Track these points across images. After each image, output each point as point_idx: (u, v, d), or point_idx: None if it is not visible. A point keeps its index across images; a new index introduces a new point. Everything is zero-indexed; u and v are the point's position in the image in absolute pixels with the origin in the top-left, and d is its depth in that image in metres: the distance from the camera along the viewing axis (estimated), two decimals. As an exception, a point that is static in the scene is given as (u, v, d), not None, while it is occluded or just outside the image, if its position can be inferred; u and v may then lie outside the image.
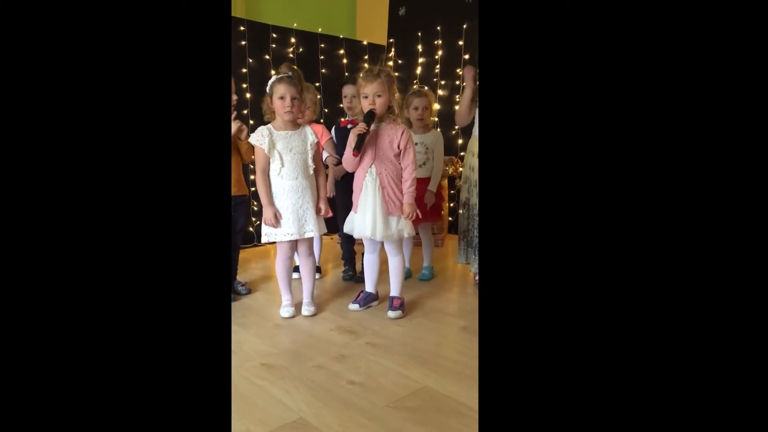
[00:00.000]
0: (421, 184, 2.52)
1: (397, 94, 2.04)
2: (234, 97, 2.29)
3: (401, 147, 2.03)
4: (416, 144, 2.50)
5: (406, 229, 2.08)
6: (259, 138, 2.00)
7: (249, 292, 2.44)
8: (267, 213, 2.02)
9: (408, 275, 2.65)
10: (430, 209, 2.61)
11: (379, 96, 1.99)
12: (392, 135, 2.03)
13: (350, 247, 2.72)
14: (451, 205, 3.75)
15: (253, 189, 3.48)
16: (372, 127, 2.04)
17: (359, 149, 1.99)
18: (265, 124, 2.08)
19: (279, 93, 1.98)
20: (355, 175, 2.12)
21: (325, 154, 2.53)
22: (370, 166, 2.05)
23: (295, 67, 2.06)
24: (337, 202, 2.57)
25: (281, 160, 2.01)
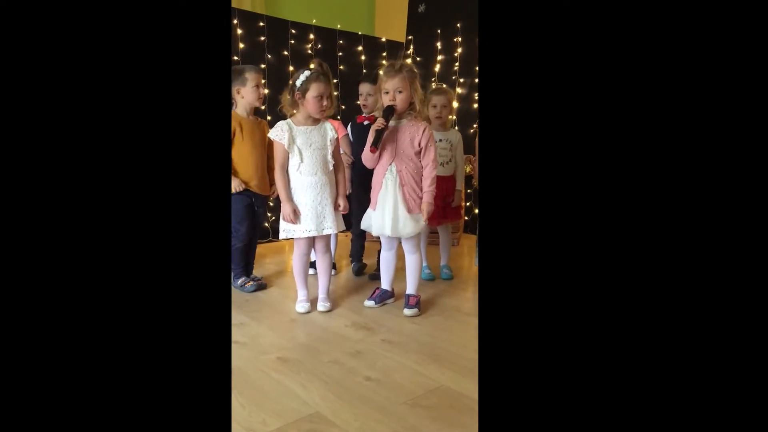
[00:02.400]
0: (446, 182, 2.51)
1: (419, 91, 2.01)
2: (263, 91, 2.30)
3: (422, 145, 2.01)
4: (440, 141, 2.48)
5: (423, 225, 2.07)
6: (278, 133, 1.99)
7: (265, 287, 2.45)
8: (286, 209, 2.01)
9: (432, 277, 2.63)
10: (453, 208, 2.60)
11: (400, 92, 1.97)
12: (413, 132, 2.01)
13: (361, 243, 2.72)
14: (468, 204, 3.72)
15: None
16: (392, 123, 2.03)
17: (377, 145, 1.98)
18: (283, 118, 2.07)
19: (317, 91, 1.95)
20: (375, 173, 2.11)
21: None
22: (390, 164, 2.03)
23: (323, 63, 2.03)
24: (353, 198, 2.56)
25: (300, 155, 2.00)
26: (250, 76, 2.28)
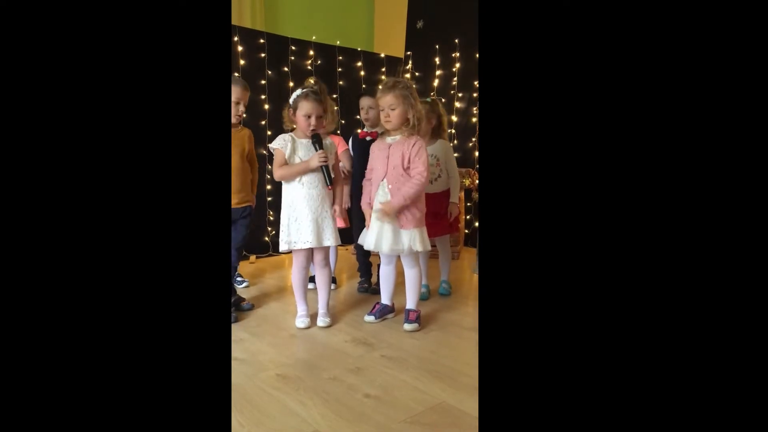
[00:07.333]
0: (436, 198, 2.47)
1: (416, 106, 2.01)
2: (242, 109, 2.23)
3: (410, 158, 1.99)
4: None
5: (419, 244, 2.03)
6: (281, 143, 2.03)
7: (251, 307, 2.35)
8: (314, 160, 1.98)
9: (426, 296, 2.52)
10: (450, 221, 2.58)
11: (393, 109, 1.98)
12: (404, 149, 2.01)
13: (366, 259, 2.71)
14: (468, 217, 3.73)
15: (269, 199, 3.50)
16: (388, 140, 2.06)
17: (330, 182, 2.00)
18: (284, 132, 2.10)
19: (305, 110, 1.98)
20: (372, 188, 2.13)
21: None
22: (383, 179, 2.05)
23: (317, 81, 2.04)
24: (353, 213, 2.56)
25: None
26: (233, 90, 2.18)
